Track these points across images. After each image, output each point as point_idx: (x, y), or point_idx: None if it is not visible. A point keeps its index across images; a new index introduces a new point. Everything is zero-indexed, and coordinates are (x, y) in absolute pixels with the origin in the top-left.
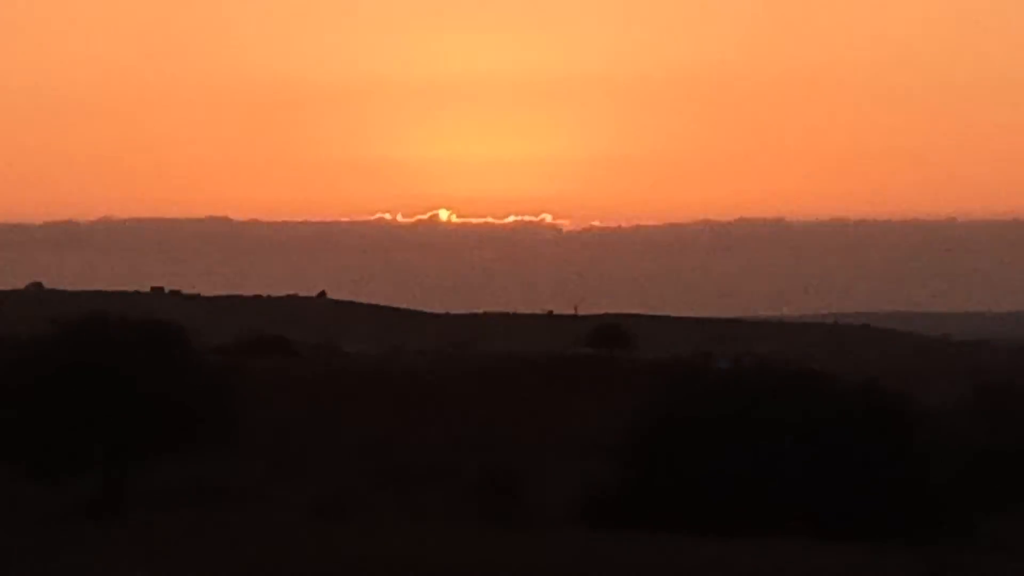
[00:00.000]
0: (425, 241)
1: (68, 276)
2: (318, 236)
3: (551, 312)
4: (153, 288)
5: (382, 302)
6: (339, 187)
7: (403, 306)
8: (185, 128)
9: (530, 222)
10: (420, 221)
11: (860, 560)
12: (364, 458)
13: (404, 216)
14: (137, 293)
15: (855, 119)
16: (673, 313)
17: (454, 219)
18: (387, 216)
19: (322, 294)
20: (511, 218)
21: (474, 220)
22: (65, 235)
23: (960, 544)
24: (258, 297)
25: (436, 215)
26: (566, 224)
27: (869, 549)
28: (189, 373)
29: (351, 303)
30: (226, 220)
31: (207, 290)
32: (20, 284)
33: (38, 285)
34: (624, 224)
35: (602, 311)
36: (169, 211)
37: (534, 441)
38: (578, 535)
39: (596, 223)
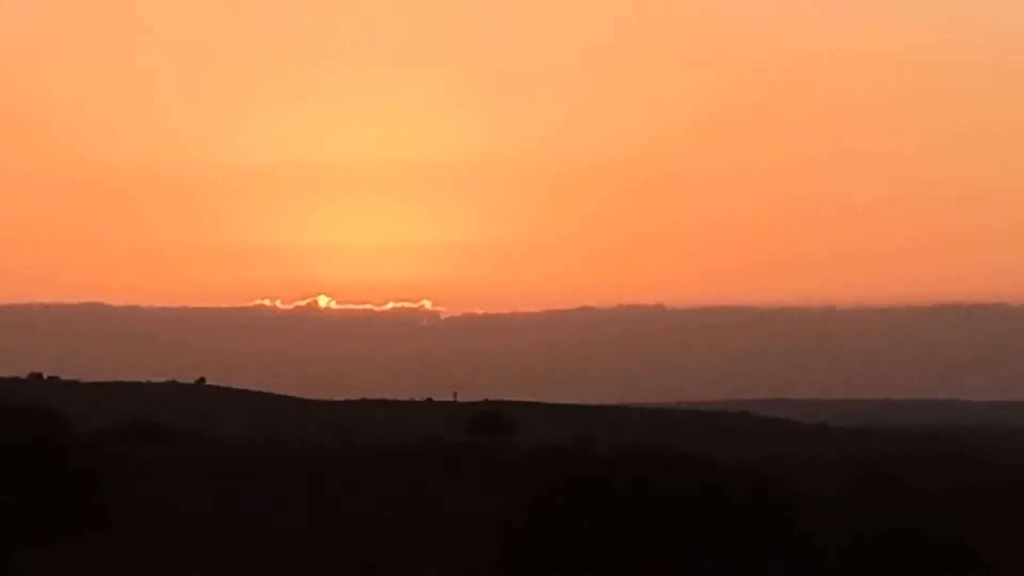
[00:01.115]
0: (305, 327)
1: None
2: (197, 322)
3: (430, 399)
4: (31, 374)
5: (261, 388)
6: (218, 273)
7: (283, 392)
8: (61, 213)
9: (409, 308)
10: (299, 307)
11: None
12: (243, 545)
13: (283, 302)
14: (15, 379)
15: (733, 207)
16: (552, 400)
17: (333, 305)
18: (266, 302)
19: (201, 380)
20: (390, 304)
21: (353, 306)
22: None
23: None
24: (137, 383)
25: (315, 301)
26: (444, 310)
27: None
28: (66, 461)
29: (230, 389)
30: (103, 306)
31: (85, 376)
32: None
33: None
34: (503, 310)
35: (481, 397)
36: (46, 296)
37: (415, 528)
38: None
39: (476, 309)
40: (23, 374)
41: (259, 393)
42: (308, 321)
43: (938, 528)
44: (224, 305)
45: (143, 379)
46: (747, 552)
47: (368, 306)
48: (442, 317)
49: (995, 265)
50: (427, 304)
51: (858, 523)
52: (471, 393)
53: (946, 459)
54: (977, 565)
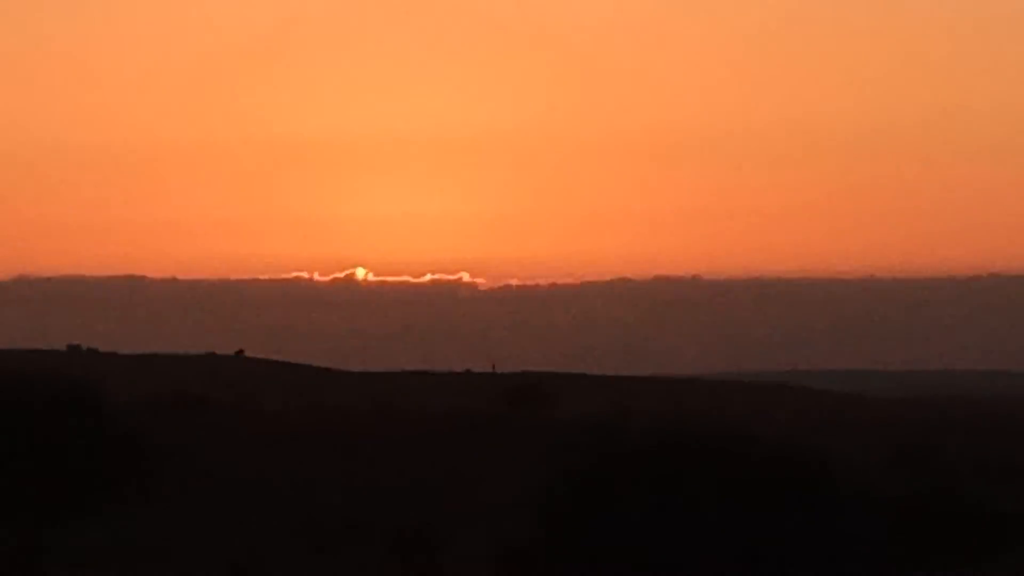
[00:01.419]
0: (342, 299)
1: None
2: (235, 294)
3: (469, 370)
4: (69, 346)
5: (300, 360)
6: (256, 245)
7: (320, 364)
8: (101, 186)
9: (447, 280)
10: (337, 279)
11: None
12: (282, 516)
13: (321, 275)
14: (54, 351)
15: (769, 177)
16: (590, 371)
17: (371, 278)
18: (304, 275)
19: (240, 352)
20: (428, 277)
21: (391, 279)
22: None
23: None
24: (175, 355)
25: (353, 274)
26: (483, 282)
27: None
28: (106, 432)
29: (268, 361)
30: (143, 278)
31: (124, 348)
32: None
33: None
34: (541, 282)
35: (520, 369)
36: (86, 269)
37: (453, 499)
38: None
39: (513, 281)
40: (62, 346)
41: (297, 365)
42: (346, 293)
43: (974, 496)
44: (262, 277)
45: (181, 351)
46: (785, 523)
47: (406, 278)
48: (480, 289)
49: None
50: (465, 276)
51: (894, 491)
52: (509, 365)
53: (984, 429)
54: (1011, 535)
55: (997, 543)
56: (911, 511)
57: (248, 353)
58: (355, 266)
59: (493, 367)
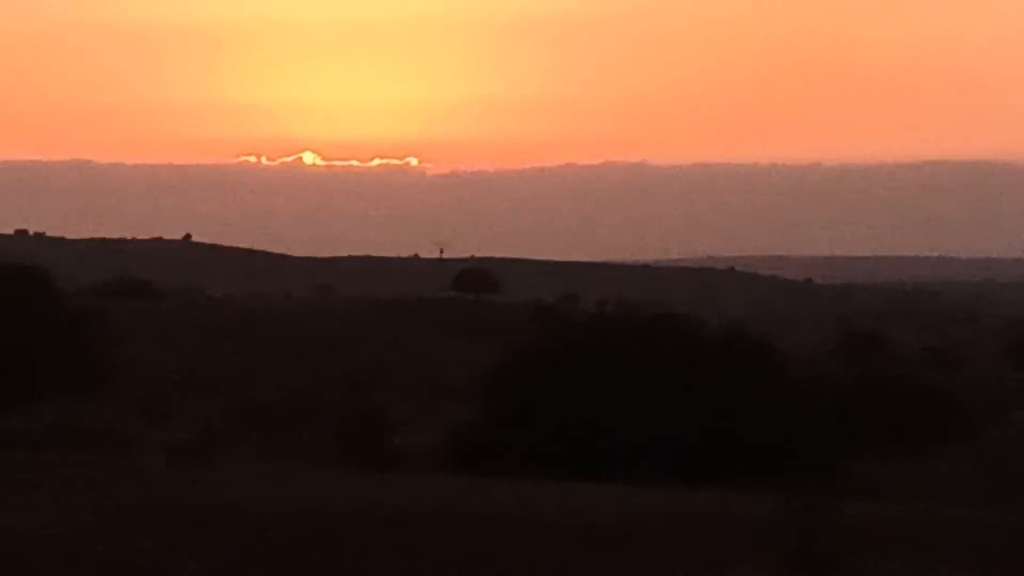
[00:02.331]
0: (290, 184)
1: None
2: (182, 179)
3: (416, 255)
4: (17, 231)
5: (247, 245)
6: (203, 130)
7: (268, 249)
8: (46, 71)
9: (395, 166)
10: (285, 164)
11: (719, 505)
12: (230, 400)
13: (268, 159)
14: (2, 235)
15: (717, 64)
16: (537, 256)
17: (319, 162)
18: (251, 159)
19: (187, 237)
20: (376, 161)
21: (339, 163)
22: None
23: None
24: (123, 240)
25: (300, 158)
26: (431, 168)
27: (732, 492)
28: (54, 316)
29: (216, 246)
30: (89, 163)
31: (72, 233)
32: None
33: None
34: (488, 168)
35: (467, 255)
36: (31, 153)
37: (400, 383)
38: (442, 479)
39: (461, 167)
40: (9, 230)
41: (245, 250)
42: (293, 178)
43: (921, 384)
44: (209, 162)
45: (129, 236)
46: (734, 410)
47: (354, 163)
48: (428, 174)
49: (981, 123)
50: (413, 161)
51: (842, 380)
52: (457, 250)
53: (930, 315)
54: (959, 417)
55: (943, 428)
56: (859, 395)
57: (195, 238)
58: (303, 151)
59: (441, 252)
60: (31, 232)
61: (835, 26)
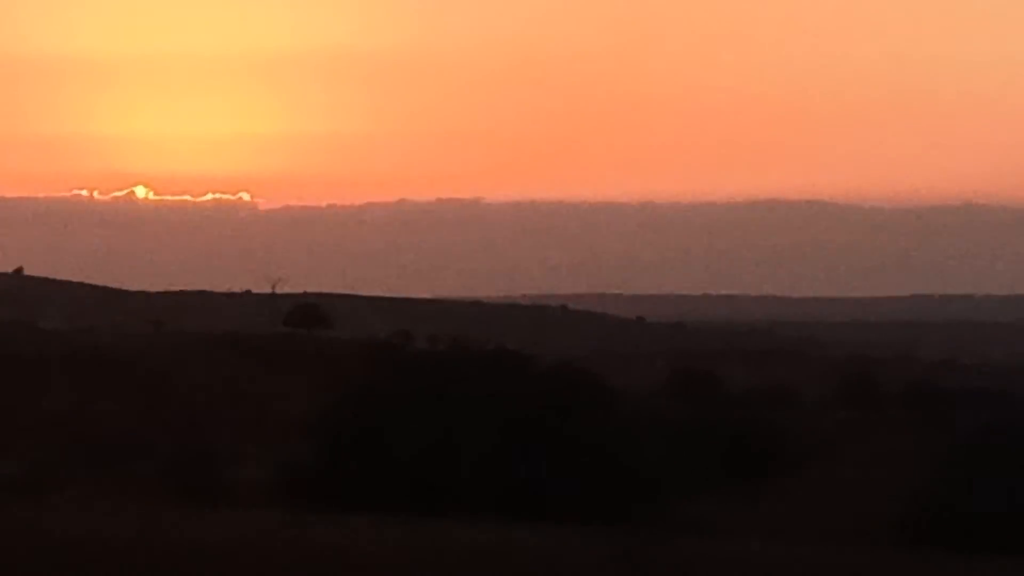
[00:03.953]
0: (122, 218)
1: None
2: (13, 212)
3: (248, 291)
4: None
5: (79, 279)
6: (34, 163)
7: (101, 283)
8: None
9: (228, 200)
10: (117, 198)
11: (550, 541)
12: (60, 436)
13: (101, 193)
14: None
15: (552, 101)
16: (370, 293)
17: (151, 196)
18: (83, 193)
19: (18, 270)
20: (209, 196)
21: (171, 198)
22: None
23: (654, 524)
24: None
25: (133, 192)
26: (263, 203)
27: (562, 530)
28: None
29: (48, 280)
30: None
31: None
32: None
33: None
34: (321, 203)
35: (300, 290)
36: None
37: (232, 419)
38: (274, 515)
39: (293, 202)
40: None
41: (77, 284)
42: (126, 211)
43: (753, 421)
44: (41, 195)
45: None
46: (564, 446)
47: (186, 197)
48: (261, 209)
49: (811, 162)
50: (245, 196)
51: (674, 417)
52: (290, 286)
53: (764, 353)
54: (791, 458)
55: (775, 466)
56: (691, 432)
57: (27, 271)
58: (135, 184)
59: (273, 287)
60: None
61: (667, 64)
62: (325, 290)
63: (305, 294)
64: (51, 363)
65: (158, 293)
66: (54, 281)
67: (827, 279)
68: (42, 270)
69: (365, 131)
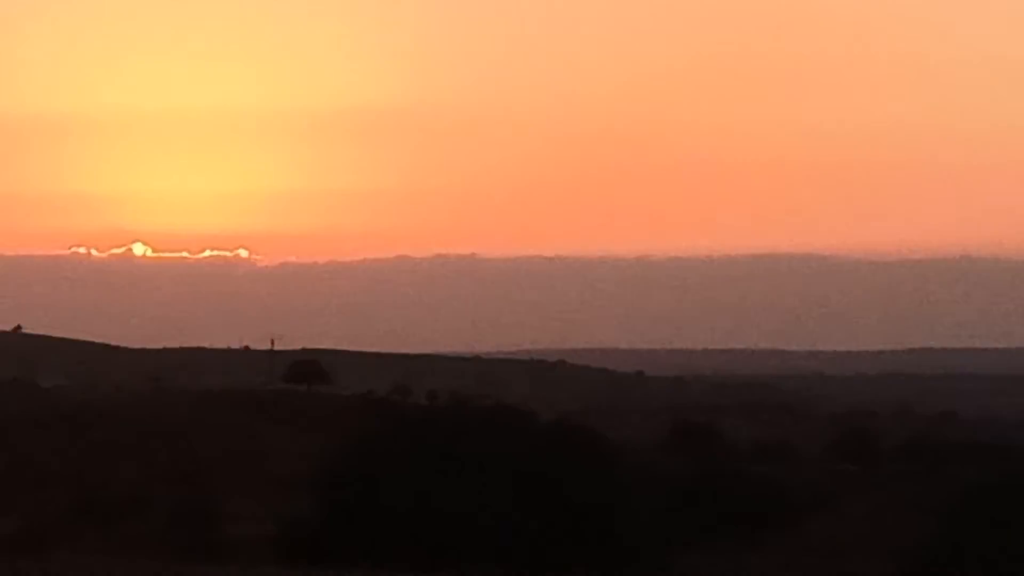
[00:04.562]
0: (120, 275)
1: None
2: (12, 269)
3: (247, 347)
4: None
5: (78, 336)
6: (33, 221)
7: (99, 340)
8: None
9: (226, 257)
10: (115, 255)
11: None
12: (61, 492)
13: (99, 250)
14: None
15: (548, 157)
16: (369, 348)
17: (149, 253)
18: (82, 250)
19: (17, 328)
20: (207, 253)
21: (169, 255)
22: None
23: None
24: None
25: (131, 249)
26: (261, 259)
27: None
28: None
29: (47, 337)
30: None
31: None
32: None
33: None
34: (319, 259)
35: (298, 346)
36: None
37: (231, 475)
38: (274, 571)
39: (291, 258)
40: None
41: (76, 341)
42: (124, 269)
43: (752, 475)
44: (40, 253)
45: None
46: (565, 501)
47: (184, 254)
48: (258, 266)
49: (812, 216)
50: (243, 253)
51: (674, 471)
52: (288, 341)
53: (763, 407)
54: (790, 512)
55: (775, 519)
56: (691, 486)
57: (26, 329)
58: (133, 242)
59: (272, 343)
60: None
61: (665, 122)
62: (324, 346)
63: (304, 350)
64: (50, 421)
65: (156, 349)
66: (53, 338)
67: (826, 332)
68: (41, 327)
69: (362, 188)
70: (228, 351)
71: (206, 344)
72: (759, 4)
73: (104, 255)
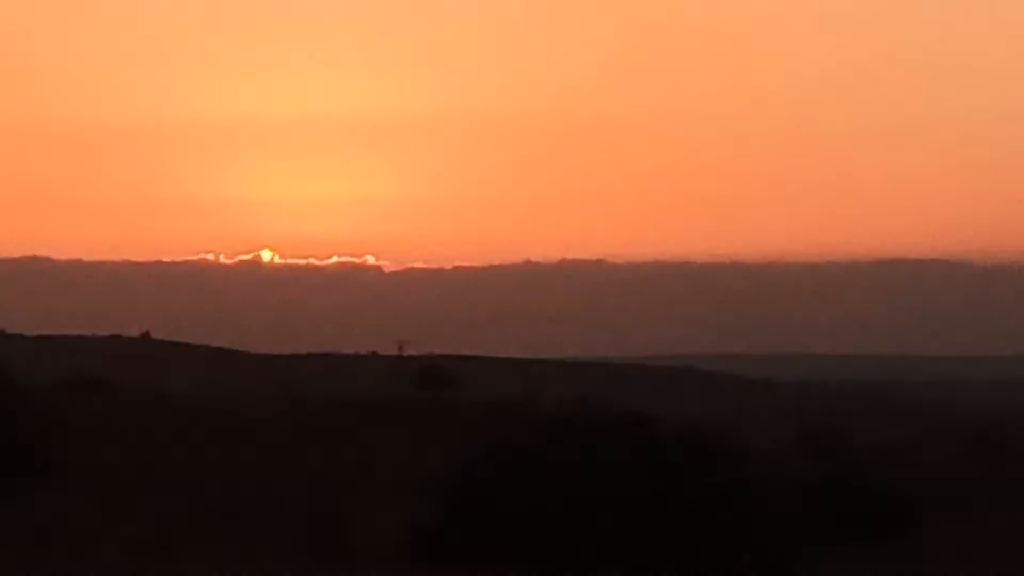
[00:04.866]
0: (248, 281)
1: None
2: (140, 275)
3: (375, 353)
4: None
5: (206, 342)
6: (161, 226)
7: (226, 346)
8: (3, 165)
9: (352, 263)
10: (242, 261)
11: None
12: (188, 499)
13: (227, 256)
14: None
15: (674, 160)
16: (497, 354)
17: (277, 259)
18: (209, 256)
19: (145, 334)
20: (334, 259)
21: (297, 261)
22: None
23: None
24: (81, 337)
25: (259, 255)
26: (388, 265)
27: None
28: (12, 411)
29: (175, 343)
30: (47, 259)
31: (29, 330)
32: None
33: None
34: (446, 265)
35: (426, 352)
36: None
37: (360, 481)
38: (403, 572)
39: (419, 264)
40: None
41: (204, 347)
42: (251, 275)
43: (876, 481)
44: (167, 259)
45: (86, 333)
46: (691, 509)
47: (311, 260)
48: (386, 271)
49: (937, 220)
50: (370, 259)
51: (799, 477)
52: (415, 347)
53: (888, 413)
54: (913, 518)
55: (903, 525)
56: (817, 494)
57: (154, 335)
58: (261, 247)
59: (400, 349)
60: None
61: (799, 122)
62: (451, 351)
63: (431, 355)
64: (178, 426)
65: (284, 355)
66: (181, 344)
67: (954, 337)
68: (169, 333)
69: (489, 193)
70: (356, 356)
71: (333, 350)
72: None
73: (232, 261)
